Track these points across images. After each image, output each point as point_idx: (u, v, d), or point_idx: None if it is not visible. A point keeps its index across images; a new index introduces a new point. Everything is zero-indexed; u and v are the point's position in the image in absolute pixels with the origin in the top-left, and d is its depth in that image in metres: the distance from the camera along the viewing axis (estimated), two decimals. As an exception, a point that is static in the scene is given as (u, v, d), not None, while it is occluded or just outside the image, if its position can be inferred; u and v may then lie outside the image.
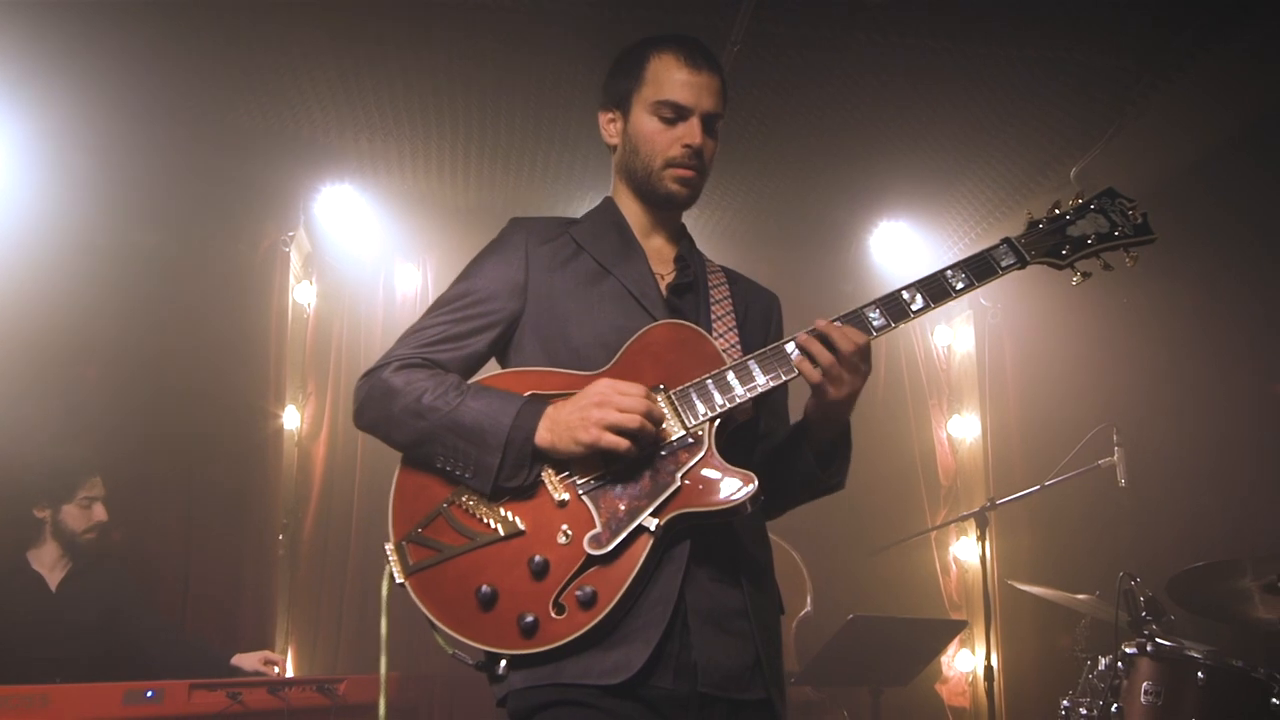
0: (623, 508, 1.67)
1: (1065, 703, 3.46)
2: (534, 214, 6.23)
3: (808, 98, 4.41)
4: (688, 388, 1.76)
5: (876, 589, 5.06)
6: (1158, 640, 3.20)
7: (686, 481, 1.68)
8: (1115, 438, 3.97)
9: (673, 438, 1.72)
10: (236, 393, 4.94)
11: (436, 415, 1.73)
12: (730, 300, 1.99)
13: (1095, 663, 3.41)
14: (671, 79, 1.92)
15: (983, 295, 5.86)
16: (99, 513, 3.89)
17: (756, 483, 1.66)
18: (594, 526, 1.66)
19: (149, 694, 3.14)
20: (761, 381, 1.75)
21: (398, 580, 1.73)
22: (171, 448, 4.73)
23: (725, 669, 1.69)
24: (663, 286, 1.94)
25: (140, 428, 4.58)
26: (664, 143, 1.92)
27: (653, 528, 1.64)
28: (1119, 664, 3.23)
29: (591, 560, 1.64)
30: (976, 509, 4.27)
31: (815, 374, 1.73)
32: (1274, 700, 2.94)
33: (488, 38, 4.13)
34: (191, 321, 4.89)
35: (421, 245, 5.66)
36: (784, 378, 1.76)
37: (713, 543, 1.73)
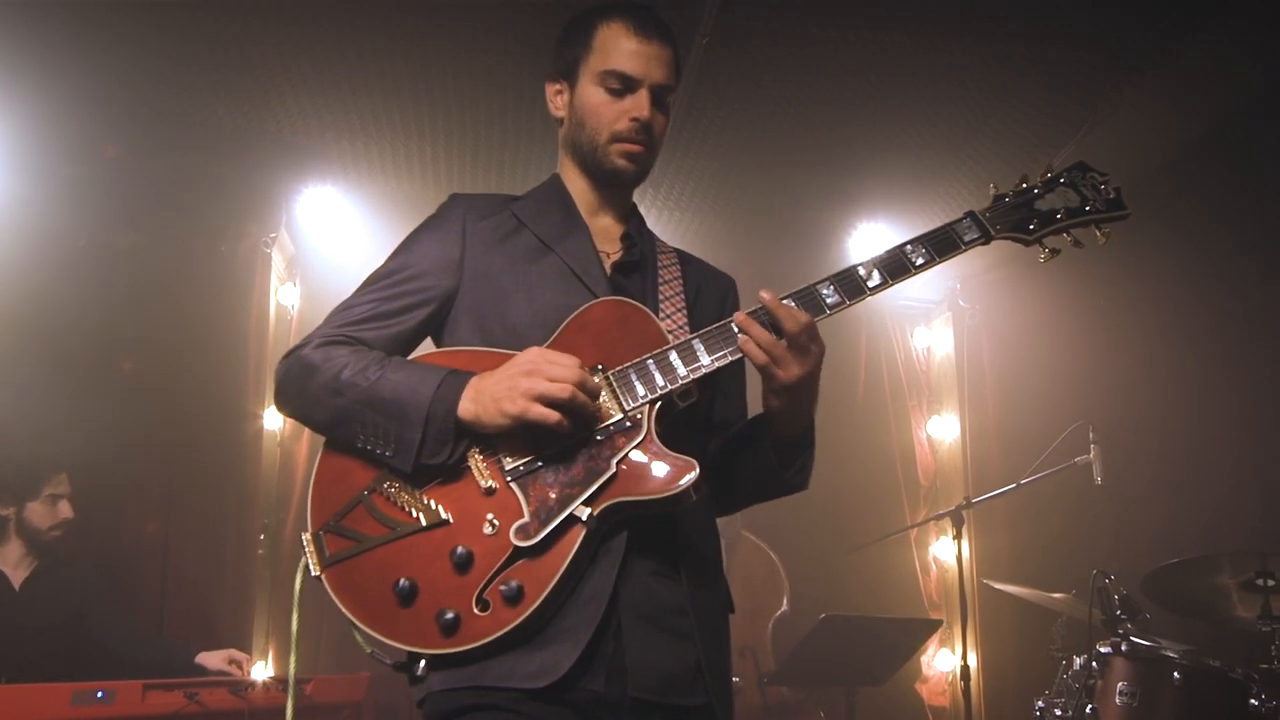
0: (553, 496, 1.55)
1: (1040, 703, 3.41)
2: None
3: (778, 94, 4.40)
4: (627, 368, 1.64)
5: (855, 589, 5.05)
6: (1132, 639, 3.14)
7: (623, 468, 1.56)
8: (1091, 435, 3.96)
9: (610, 421, 1.61)
10: (217, 393, 4.94)
11: (355, 391, 1.62)
12: (681, 281, 1.88)
13: (1070, 662, 3.35)
14: (620, 48, 1.81)
15: (961, 297, 5.87)
16: (65, 510, 3.84)
17: (698, 470, 1.55)
18: (522, 516, 1.54)
19: (99, 694, 3.04)
20: (706, 362, 1.63)
21: (313, 573, 1.62)
22: (151, 447, 4.72)
23: (661, 672, 1.58)
24: (607, 265, 1.84)
25: (119, 427, 4.56)
26: (610, 115, 1.81)
27: (585, 517, 1.53)
28: (1093, 664, 3.17)
29: (519, 552, 1.52)
30: (951, 509, 4.25)
31: (760, 355, 1.61)
32: (1252, 701, 2.88)
33: (471, 41, 4.14)
34: (171, 322, 4.88)
35: (404, 247, 5.65)
36: (730, 358, 1.64)
37: (653, 535, 1.61)
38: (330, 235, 5.42)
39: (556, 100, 1.93)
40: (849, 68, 4.23)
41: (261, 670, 4.59)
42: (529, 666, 1.50)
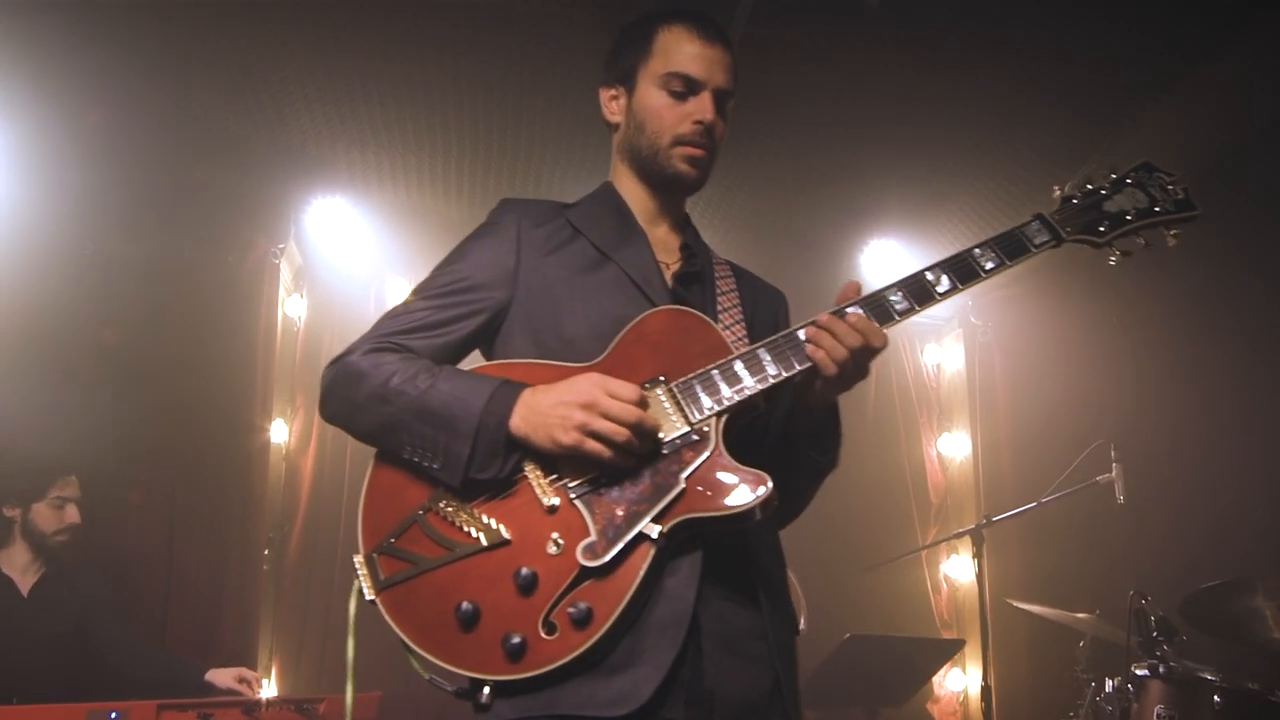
0: (620, 513, 1.49)
1: (1067, 724, 3.38)
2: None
3: (799, 111, 4.39)
4: (691, 379, 1.59)
5: (869, 607, 5.01)
6: (1170, 662, 3.10)
7: (692, 483, 1.50)
8: (1113, 454, 3.94)
9: (676, 434, 1.54)
10: (223, 405, 4.87)
11: (404, 400, 1.57)
12: (737, 294, 1.83)
13: (1101, 684, 3.31)
14: (682, 50, 1.78)
15: (973, 314, 5.86)
16: (71, 514, 3.73)
17: (770, 485, 1.49)
18: (588, 535, 1.48)
19: (114, 715, 2.98)
20: (773, 372, 1.58)
21: (368, 597, 1.55)
22: (156, 458, 4.64)
23: (743, 699, 1.54)
24: (668, 275, 1.78)
25: (124, 437, 4.48)
26: (673, 119, 1.77)
27: (654, 535, 1.46)
28: (1129, 686, 3.12)
29: (586, 573, 1.46)
30: (972, 526, 4.22)
31: (832, 367, 1.57)
32: (1290, 724, 2.86)
33: (483, 51, 4.11)
34: (178, 332, 4.82)
35: (414, 259, 5.61)
36: (798, 367, 1.59)
37: (723, 555, 1.55)
38: (339, 247, 5.39)
39: (612, 105, 1.89)
40: (868, 86, 4.22)
41: (267, 689, 4.51)
42: (606, 693, 1.43)
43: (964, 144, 4.61)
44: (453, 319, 1.72)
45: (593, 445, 1.49)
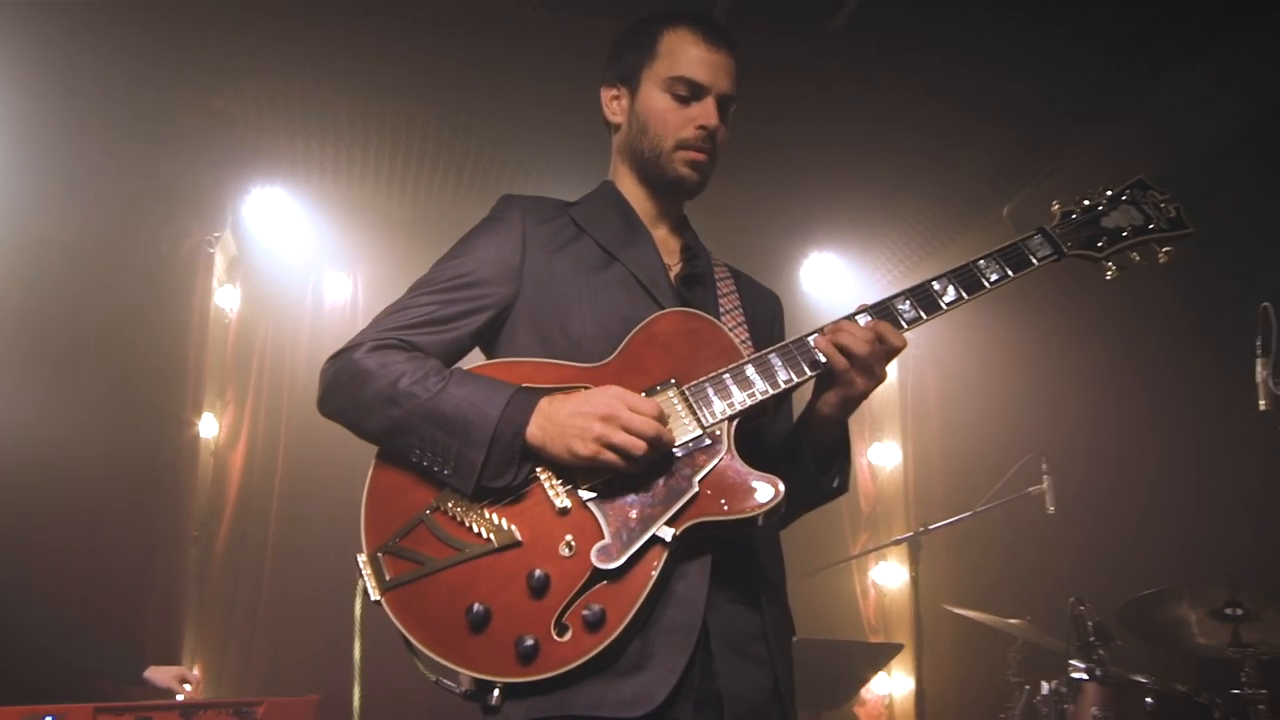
0: (634, 516, 1.49)
1: (1003, 724, 3.50)
2: (466, 227, 6.15)
3: (748, 125, 4.44)
4: (703, 382, 1.59)
5: (802, 612, 5.08)
6: (1106, 666, 3.22)
7: (704, 487, 1.51)
8: (1044, 466, 4.10)
9: (688, 437, 1.55)
10: (152, 397, 4.71)
11: (414, 402, 1.54)
12: (737, 295, 1.85)
13: (1037, 687, 3.44)
14: (688, 54, 1.78)
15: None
16: None
17: (783, 488, 1.50)
18: (602, 537, 1.48)
19: (49, 718, 2.92)
20: (785, 377, 1.60)
21: (373, 597, 1.52)
22: (79, 451, 4.44)
23: (749, 700, 1.55)
24: (671, 276, 1.79)
25: (48, 428, 4.29)
26: (676, 122, 1.77)
27: (668, 539, 1.46)
28: (1064, 689, 3.25)
29: (599, 575, 1.46)
30: (909, 534, 4.34)
31: (844, 363, 1.58)
32: (1215, 724, 3.02)
33: (436, 49, 4.07)
34: (106, 320, 4.64)
35: (354, 254, 5.51)
36: (809, 373, 1.61)
37: (730, 557, 1.57)
38: (276, 238, 5.25)
39: (613, 106, 1.88)
40: (815, 105, 4.32)
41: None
42: (620, 695, 1.44)
43: (906, 163, 4.74)
44: (459, 315, 1.70)
45: (609, 457, 1.49)
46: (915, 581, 4.17)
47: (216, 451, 5.12)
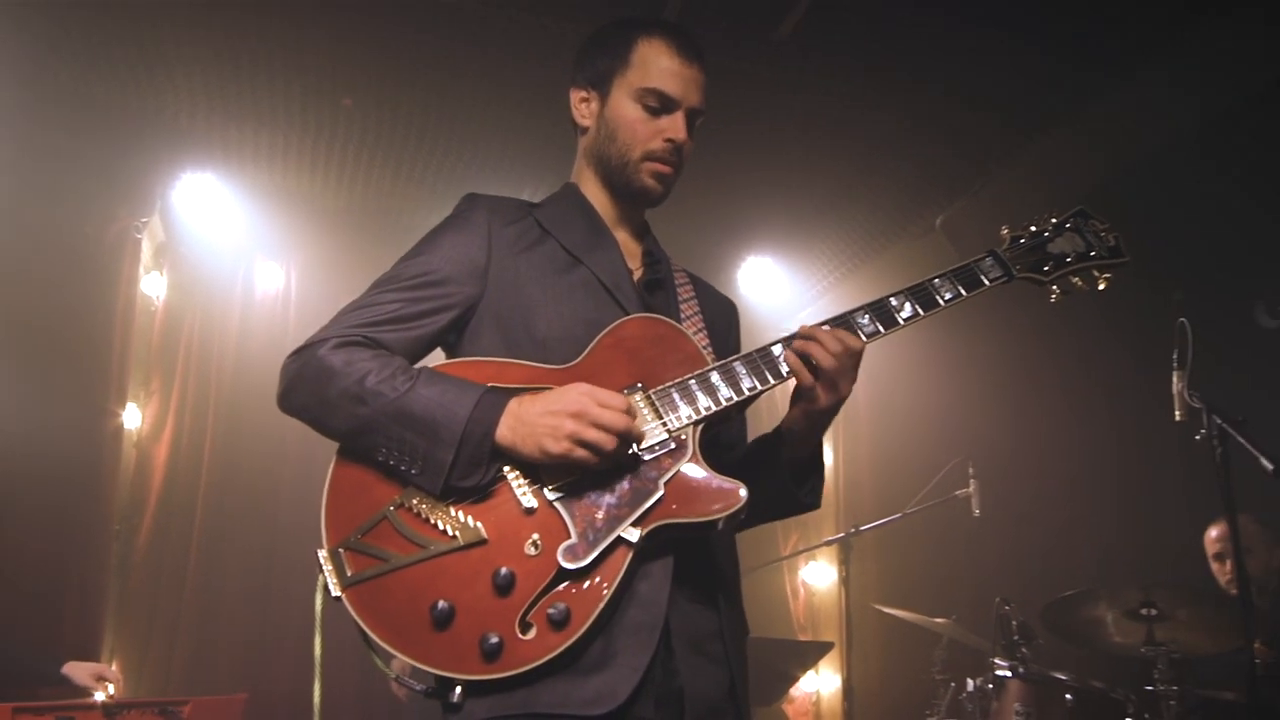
0: (600, 516, 1.51)
1: (930, 722, 3.61)
2: (405, 220, 6.00)
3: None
4: (669, 387, 1.62)
5: (734, 611, 5.17)
6: (1029, 664, 3.34)
7: (670, 489, 1.53)
8: (970, 471, 4.23)
9: (654, 440, 1.57)
10: (74, 386, 4.56)
11: (381, 401, 1.53)
12: (697, 302, 1.87)
13: (962, 684, 3.55)
14: (660, 66, 1.79)
15: (840, 332, 6.14)
16: None
17: (746, 493, 1.53)
18: (568, 537, 1.49)
19: None
20: (749, 384, 1.63)
21: (333, 593, 1.50)
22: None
23: (708, 698, 1.58)
24: (634, 281, 1.80)
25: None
26: (646, 133, 1.79)
27: (634, 539, 1.48)
28: (989, 685, 3.36)
29: (565, 574, 1.47)
30: (839, 535, 4.43)
31: (809, 377, 1.62)
32: (1129, 719, 3.15)
33: (373, 40, 4.03)
34: (26, 305, 4.47)
35: (286, 243, 5.41)
36: (772, 381, 1.64)
37: (690, 559, 1.58)
38: (206, 225, 5.13)
39: (582, 108, 1.88)
40: (756, 112, 4.38)
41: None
42: (584, 693, 1.45)
43: (845, 170, 4.84)
44: (424, 312, 1.69)
45: (581, 453, 1.50)
46: (845, 581, 4.26)
47: (140, 443, 4.98)
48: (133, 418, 4.92)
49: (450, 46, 4.07)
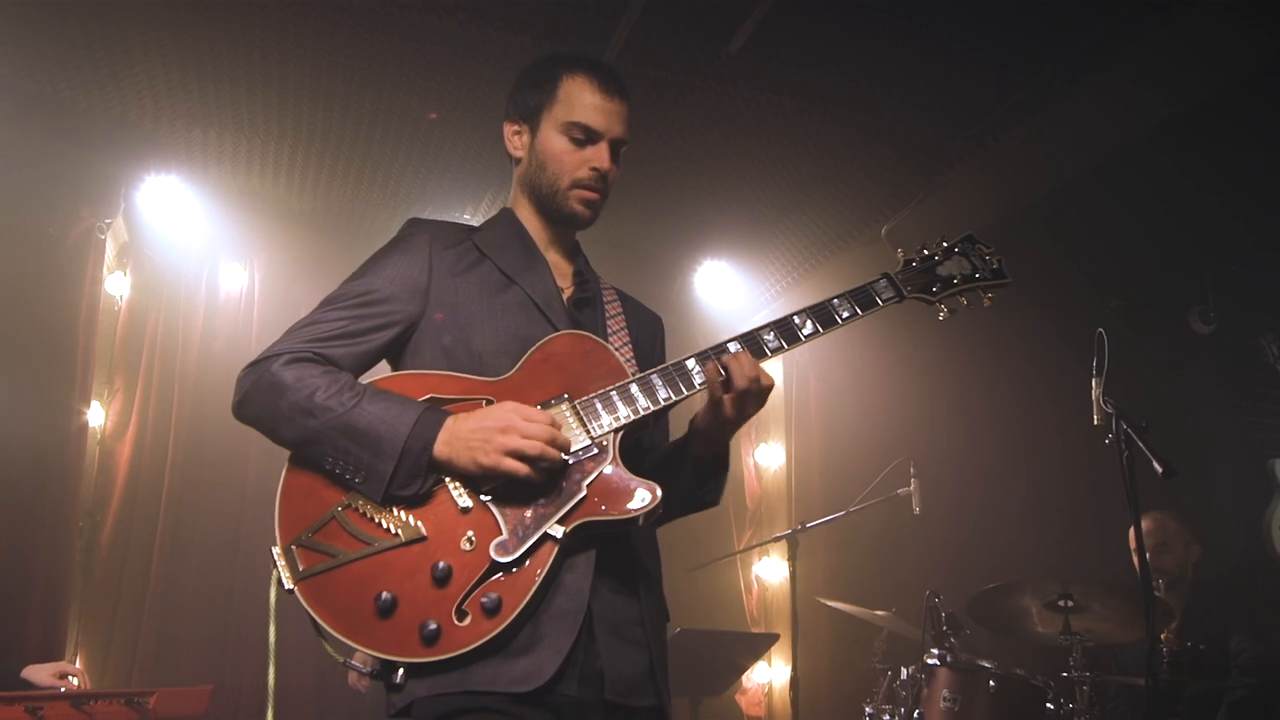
0: (529, 515, 1.66)
1: (869, 710, 3.79)
2: (368, 223, 6.06)
3: (648, 139, 4.64)
4: (592, 398, 1.77)
5: (689, 604, 5.33)
6: (956, 653, 3.54)
7: (592, 491, 1.69)
8: (912, 470, 4.41)
9: (578, 446, 1.73)
10: (38, 384, 4.61)
11: (329, 415, 1.67)
12: (624, 317, 2.02)
13: (897, 673, 3.74)
14: (584, 101, 1.93)
15: (793, 334, 6.31)
16: None
17: (660, 493, 1.68)
18: (499, 533, 1.65)
19: None
20: (664, 395, 1.79)
21: (286, 586, 1.64)
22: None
23: (627, 677, 1.72)
24: (565, 299, 1.95)
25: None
26: (572, 163, 1.93)
27: (559, 535, 1.64)
28: (921, 674, 3.56)
29: (496, 567, 1.62)
30: (787, 531, 4.59)
31: (719, 391, 1.77)
32: (1048, 705, 3.37)
33: (338, 44, 4.13)
34: (-10, 305, 4.54)
35: (250, 245, 5.50)
36: (685, 393, 1.80)
37: (612, 552, 1.74)
38: (170, 226, 5.21)
39: (515, 140, 2.02)
40: (711, 122, 4.53)
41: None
42: (513, 672, 1.60)
43: (795, 179, 5.01)
44: (368, 329, 1.82)
45: (510, 464, 1.65)
46: (793, 576, 4.42)
47: (103, 441, 5.05)
48: (96, 416, 4.99)
49: (410, 52, 4.17)
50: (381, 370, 1.88)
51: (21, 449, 4.50)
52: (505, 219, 2.05)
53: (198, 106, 4.63)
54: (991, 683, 3.38)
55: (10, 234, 4.67)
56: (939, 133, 4.47)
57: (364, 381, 1.79)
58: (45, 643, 4.30)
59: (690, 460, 1.91)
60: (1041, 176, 4.75)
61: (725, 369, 1.79)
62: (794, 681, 4.20)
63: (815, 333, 1.90)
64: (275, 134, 4.83)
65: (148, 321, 5.22)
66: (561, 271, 2.03)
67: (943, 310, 2.05)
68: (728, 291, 6.01)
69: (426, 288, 1.86)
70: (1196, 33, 3.78)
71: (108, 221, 5.01)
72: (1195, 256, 4.63)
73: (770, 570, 6.06)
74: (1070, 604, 3.40)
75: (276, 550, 1.68)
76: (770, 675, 5.87)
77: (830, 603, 4.35)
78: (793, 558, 4.48)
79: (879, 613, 4.19)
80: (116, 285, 5.19)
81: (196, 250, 5.35)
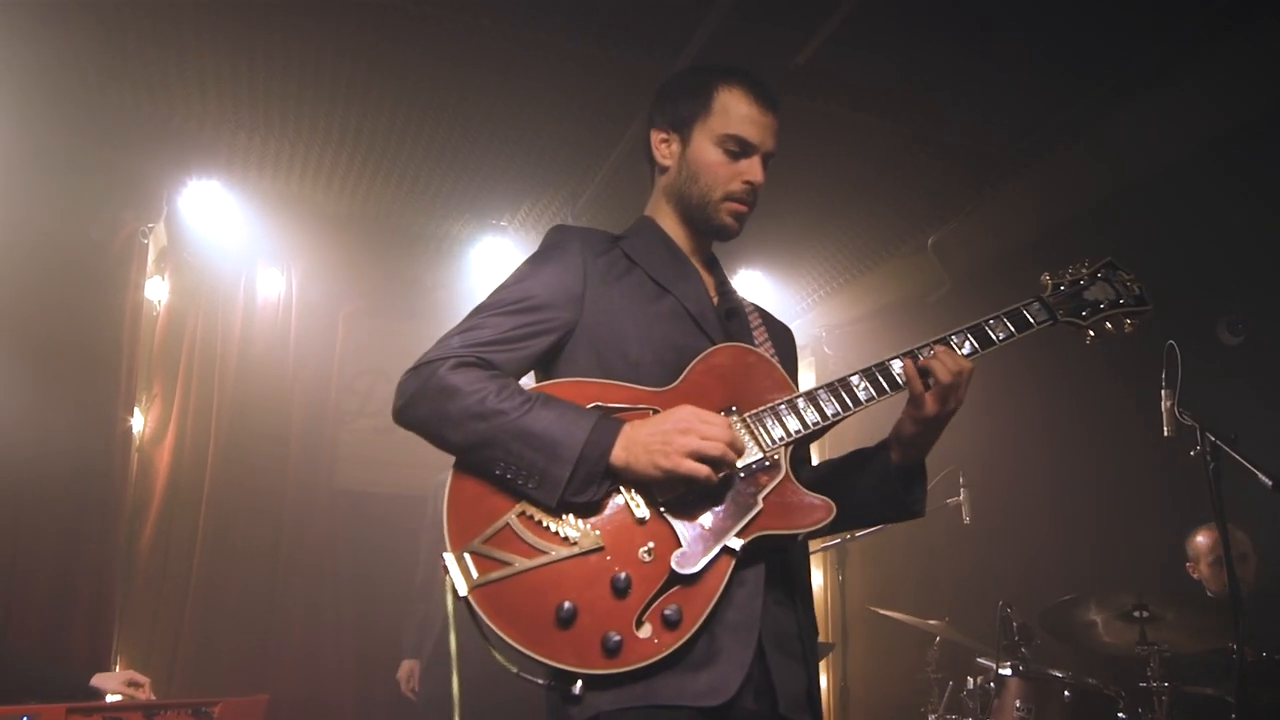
0: (707, 527, 1.66)
1: (932, 719, 3.80)
2: (405, 228, 6.00)
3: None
4: (762, 411, 1.79)
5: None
6: (1028, 663, 3.57)
7: (768, 504, 1.70)
8: (961, 480, 4.43)
9: (750, 459, 1.73)
10: (83, 392, 4.58)
11: (502, 419, 1.66)
12: (765, 329, 2.04)
13: (962, 682, 3.76)
14: (740, 114, 1.94)
15: (826, 344, 6.35)
16: None
17: (835, 509, 1.71)
18: (678, 545, 1.65)
19: (25, 718, 2.90)
20: (831, 411, 1.80)
21: (461, 593, 1.62)
22: (6, 445, 4.29)
23: (793, 693, 1.72)
24: (715, 310, 1.96)
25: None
26: (726, 175, 1.94)
27: (737, 548, 1.65)
28: (989, 684, 3.58)
29: (675, 579, 1.62)
30: (836, 540, 4.61)
31: (920, 386, 1.79)
32: (1120, 714, 3.40)
33: (383, 49, 4.11)
34: (35, 312, 4.49)
35: (288, 250, 5.47)
36: (852, 408, 1.82)
37: (775, 565, 1.75)
38: (211, 231, 5.18)
39: (663, 149, 2.02)
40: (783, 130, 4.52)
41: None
42: (697, 686, 1.60)
43: (840, 188, 4.99)
44: (526, 335, 1.81)
45: (691, 465, 1.63)
46: (842, 586, 4.44)
47: (141, 447, 5.01)
48: (135, 422, 4.94)
49: (456, 58, 4.15)
50: (527, 382, 1.88)
51: (67, 457, 4.47)
52: (648, 227, 2.04)
53: (245, 110, 4.59)
54: (1066, 692, 3.41)
55: (56, 240, 4.64)
56: (990, 145, 4.50)
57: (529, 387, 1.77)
58: (93, 650, 4.27)
59: (894, 468, 1.90)
60: (1084, 192, 4.79)
61: (925, 370, 1.81)
62: (842, 689, 4.21)
63: (973, 352, 1.91)
64: (320, 139, 4.80)
65: (186, 326, 5.19)
66: (705, 282, 2.02)
67: (1090, 335, 2.07)
68: (761, 302, 5.99)
69: (581, 295, 1.85)
70: (1248, 47, 3.83)
71: (150, 226, 4.98)
72: (1225, 268, 4.68)
73: (825, 581, 6.06)
74: (1146, 614, 3.43)
75: (449, 557, 1.66)
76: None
77: (886, 611, 4.36)
78: (839, 567, 4.49)
79: (932, 621, 4.20)
80: (155, 290, 5.15)
81: (235, 255, 5.32)
